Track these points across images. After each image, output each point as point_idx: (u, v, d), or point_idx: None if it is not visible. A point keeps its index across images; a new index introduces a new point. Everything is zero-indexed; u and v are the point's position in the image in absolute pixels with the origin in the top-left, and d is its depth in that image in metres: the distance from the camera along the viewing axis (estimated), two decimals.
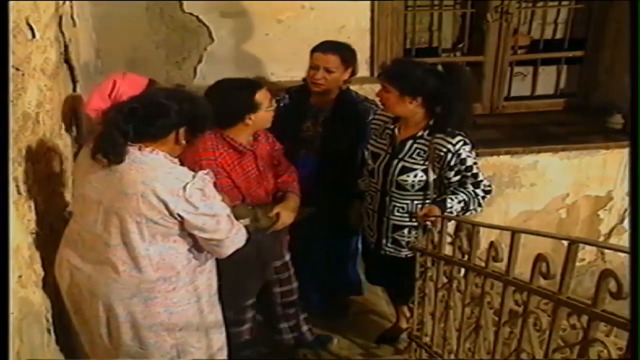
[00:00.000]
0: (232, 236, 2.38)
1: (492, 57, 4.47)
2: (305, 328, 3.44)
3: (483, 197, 2.90)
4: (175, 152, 2.32)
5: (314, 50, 3.26)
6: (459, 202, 2.83)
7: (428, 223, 2.86)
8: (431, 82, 2.81)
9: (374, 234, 3.19)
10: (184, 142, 2.30)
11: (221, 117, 2.71)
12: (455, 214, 2.82)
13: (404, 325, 3.62)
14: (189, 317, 2.46)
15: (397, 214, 3.04)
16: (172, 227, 2.26)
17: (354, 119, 3.35)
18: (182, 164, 2.36)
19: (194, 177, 2.22)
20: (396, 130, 2.99)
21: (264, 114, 2.83)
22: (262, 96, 2.80)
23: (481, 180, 2.88)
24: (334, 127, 3.36)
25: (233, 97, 2.79)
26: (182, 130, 2.27)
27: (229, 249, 2.41)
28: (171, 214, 2.19)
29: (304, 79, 3.38)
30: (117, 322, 2.36)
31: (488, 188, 2.91)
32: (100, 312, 2.36)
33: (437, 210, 2.79)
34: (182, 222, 2.24)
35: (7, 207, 1.94)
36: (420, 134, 2.91)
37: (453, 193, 2.86)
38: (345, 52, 3.28)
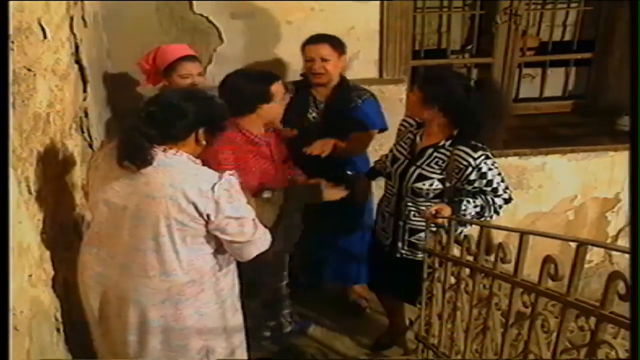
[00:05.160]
0: (255, 240, 2.36)
1: (501, 59, 4.46)
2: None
3: (500, 207, 2.87)
4: (197, 152, 2.32)
5: (305, 44, 3.38)
6: (475, 206, 2.81)
7: (434, 223, 2.85)
8: (455, 95, 2.76)
9: (389, 236, 3.17)
10: (204, 142, 2.31)
11: (234, 103, 2.75)
12: (468, 217, 2.82)
13: (403, 326, 3.65)
14: (217, 318, 2.46)
15: (413, 218, 3.02)
16: (201, 228, 2.25)
17: (348, 105, 3.43)
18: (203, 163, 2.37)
19: (220, 178, 2.22)
20: (418, 137, 2.98)
21: (276, 106, 2.91)
22: (276, 88, 2.88)
23: (500, 194, 2.84)
24: (330, 114, 3.46)
25: (248, 85, 2.87)
26: (201, 131, 2.28)
27: (251, 252, 2.40)
28: (201, 215, 2.19)
29: (303, 74, 3.49)
30: (148, 327, 2.35)
31: (508, 198, 2.88)
32: (131, 318, 2.35)
33: (448, 211, 2.78)
34: (208, 222, 2.23)
35: (7, 205, 1.95)
36: (442, 143, 2.88)
37: (473, 197, 2.83)
38: (333, 40, 3.40)
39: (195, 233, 2.26)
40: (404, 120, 3.14)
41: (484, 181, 2.81)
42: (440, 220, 2.79)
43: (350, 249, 3.81)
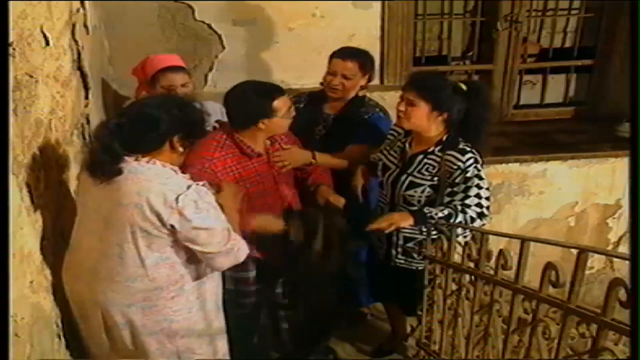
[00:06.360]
0: (226, 250, 2.33)
1: (502, 66, 4.48)
2: None
3: (473, 219, 2.74)
4: (174, 159, 2.30)
5: (333, 56, 3.26)
6: (442, 210, 2.75)
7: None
8: (459, 101, 2.78)
9: (383, 244, 3.15)
10: (180, 149, 2.28)
11: (236, 117, 2.81)
12: (436, 218, 2.74)
13: (403, 333, 3.64)
14: (192, 324, 2.44)
15: (407, 226, 3.01)
16: (167, 237, 2.24)
17: (354, 119, 3.33)
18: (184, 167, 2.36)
19: (188, 187, 2.20)
20: (407, 145, 2.98)
21: (279, 121, 2.83)
22: (280, 103, 2.81)
23: (468, 207, 2.74)
24: (335, 127, 3.37)
25: (251, 100, 2.80)
26: (176, 139, 2.25)
27: (222, 264, 2.37)
28: (164, 225, 2.18)
29: (322, 83, 3.36)
30: (117, 329, 2.37)
31: (476, 216, 2.75)
32: (100, 319, 2.37)
33: (407, 219, 2.79)
34: (174, 232, 2.22)
35: (8, 212, 1.95)
36: (431, 149, 2.86)
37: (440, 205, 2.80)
38: (364, 59, 3.30)
39: (162, 242, 2.25)
40: (392, 129, 3.13)
41: (463, 186, 2.77)
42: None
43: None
